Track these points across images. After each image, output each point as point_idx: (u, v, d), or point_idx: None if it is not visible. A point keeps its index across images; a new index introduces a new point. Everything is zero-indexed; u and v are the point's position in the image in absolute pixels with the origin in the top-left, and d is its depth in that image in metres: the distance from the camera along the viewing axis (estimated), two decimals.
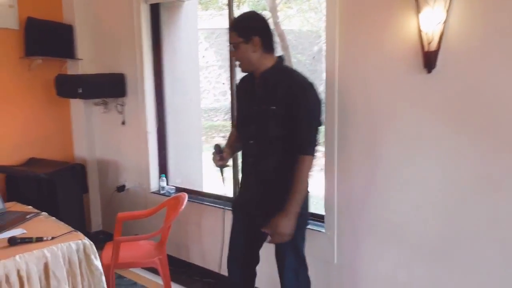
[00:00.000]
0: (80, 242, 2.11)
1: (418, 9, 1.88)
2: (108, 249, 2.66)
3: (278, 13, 9.79)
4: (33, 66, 3.44)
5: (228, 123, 11.21)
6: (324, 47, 11.10)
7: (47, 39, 3.42)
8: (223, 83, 12.06)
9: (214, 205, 3.01)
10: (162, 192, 3.37)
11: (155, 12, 3.28)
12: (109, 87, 3.39)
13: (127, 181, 3.59)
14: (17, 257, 1.89)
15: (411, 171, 2.09)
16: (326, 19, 2.28)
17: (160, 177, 3.43)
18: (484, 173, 1.89)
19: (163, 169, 3.47)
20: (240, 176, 2.20)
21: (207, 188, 3.43)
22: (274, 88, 1.89)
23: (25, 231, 2.18)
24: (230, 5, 2.83)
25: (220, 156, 2.05)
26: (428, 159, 2.03)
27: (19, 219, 2.35)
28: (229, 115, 12.02)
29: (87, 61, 3.63)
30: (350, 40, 2.20)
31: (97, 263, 2.16)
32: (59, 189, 3.18)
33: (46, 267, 1.97)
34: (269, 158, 1.94)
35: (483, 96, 1.84)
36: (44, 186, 3.18)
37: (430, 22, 1.85)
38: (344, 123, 2.28)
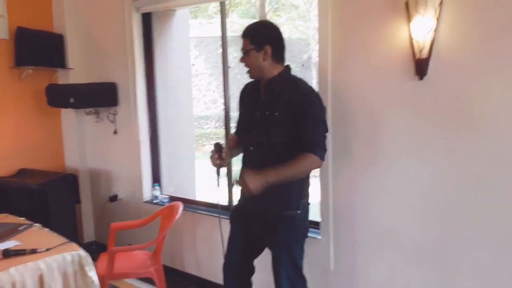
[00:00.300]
0: (75, 253, 2.08)
1: (409, 18, 1.93)
2: (103, 259, 2.63)
3: None
4: (24, 76, 3.42)
5: (219, 131, 11.23)
6: (313, 55, 11.22)
7: (37, 48, 3.40)
8: (213, 91, 12.07)
9: (208, 213, 3.00)
10: (155, 201, 3.35)
11: (147, 21, 3.28)
12: (101, 96, 3.37)
13: (120, 191, 3.56)
14: (11, 269, 1.86)
15: (405, 176, 2.12)
16: (319, 27, 2.31)
17: (153, 186, 3.41)
18: (477, 177, 1.92)
19: (156, 178, 3.45)
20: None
21: (200, 197, 3.42)
22: (278, 95, 1.92)
23: (18, 243, 2.15)
24: (222, 13, 2.85)
25: (219, 155, 2.01)
26: (421, 164, 2.06)
27: (11, 231, 2.31)
28: (220, 123, 12.02)
29: (78, 70, 3.61)
30: (342, 47, 2.24)
31: (93, 274, 2.13)
32: (51, 200, 3.13)
33: (41, 279, 1.95)
34: (269, 164, 1.91)
35: (472, 101, 1.89)
36: (36, 197, 3.13)
37: (421, 30, 1.89)
38: (337, 130, 2.30)
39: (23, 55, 3.34)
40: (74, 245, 2.16)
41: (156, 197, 3.36)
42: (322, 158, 1.87)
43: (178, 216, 2.59)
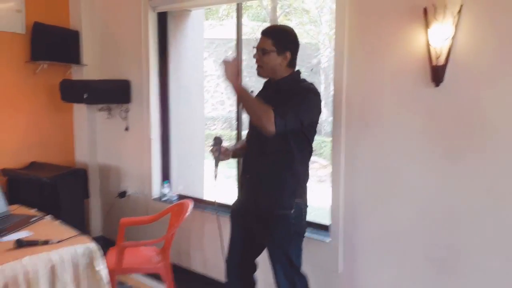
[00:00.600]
0: (86, 246, 2.10)
1: (427, 24, 1.94)
2: (111, 254, 2.65)
3: None
4: (39, 70, 3.46)
5: (226, 132, 11.26)
6: (322, 60, 11.22)
7: (53, 44, 3.44)
8: (222, 93, 12.11)
9: (216, 213, 3.01)
10: (164, 199, 3.37)
11: (162, 20, 3.32)
12: (114, 93, 3.41)
13: (129, 187, 3.59)
14: (24, 259, 1.88)
15: (416, 182, 2.13)
16: (335, 32, 2.33)
17: (162, 184, 3.43)
18: (489, 185, 1.93)
19: (165, 176, 3.48)
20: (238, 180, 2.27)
21: (208, 196, 3.44)
22: (281, 93, 1.99)
23: (31, 234, 2.18)
24: (238, 15, 2.87)
25: (217, 148, 2.10)
26: (433, 170, 2.07)
27: (23, 222, 2.34)
28: (226, 124, 12.03)
29: (92, 66, 3.65)
30: (358, 53, 2.25)
31: (102, 268, 2.15)
32: (61, 194, 3.17)
33: (53, 270, 1.97)
34: (266, 158, 2.02)
35: (488, 110, 1.90)
36: (46, 190, 3.17)
37: (439, 37, 1.90)
38: (351, 134, 2.31)
39: (38, 50, 3.38)
40: (85, 237, 2.18)
41: (164, 194, 3.38)
42: (275, 124, 1.83)
43: (187, 214, 2.61)
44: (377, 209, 2.27)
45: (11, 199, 2.62)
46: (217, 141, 2.12)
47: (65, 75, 3.63)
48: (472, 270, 2.00)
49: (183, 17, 3.42)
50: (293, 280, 2.07)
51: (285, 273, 2.06)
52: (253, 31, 10.07)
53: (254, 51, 2.02)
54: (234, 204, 2.26)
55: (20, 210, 2.61)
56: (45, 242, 2.03)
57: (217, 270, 3.00)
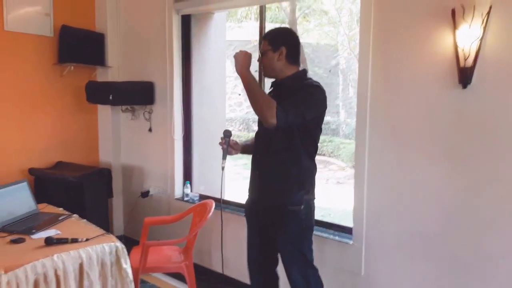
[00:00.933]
0: (113, 244, 2.15)
1: (455, 26, 1.92)
2: (135, 253, 2.70)
3: (298, 27, 9.90)
4: (65, 72, 3.54)
5: (243, 134, 11.30)
6: (341, 61, 11.15)
7: (79, 46, 3.53)
8: (239, 94, 12.16)
9: (237, 213, 3.04)
10: (186, 199, 3.41)
11: (186, 23, 3.36)
12: (139, 95, 3.47)
13: (152, 187, 3.64)
14: (54, 256, 1.94)
15: (443, 185, 2.10)
16: (360, 33, 2.32)
17: (184, 184, 3.47)
18: None
19: (187, 176, 3.52)
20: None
21: (229, 197, 3.46)
22: (287, 91, 2.03)
23: (59, 232, 2.24)
24: (261, 16, 2.89)
25: (226, 140, 2.15)
26: (459, 173, 2.04)
27: (52, 220, 2.41)
28: (243, 126, 12.05)
29: (116, 68, 3.73)
30: (383, 53, 2.24)
31: (127, 266, 2.20)
32: (87, 193, 3.24)
33: (81, 267, 2.02)
34: (273, 155, 2.07)
35: None
36: (72, 189, 3.24)
37: (467, 39, 1.88)
38: (375, 136, 2.30)
39: (66, 53, 3.46)
40: (112, 236, 2.23)
41: (187, 194, 3.42)
42: (277, 116, 1.85)
43: (210, 214, 2.64)
44: (401, 212, 2.25)
45: (37, 198, 2.69)
46: (227, 134, 2.16)
47: (91, 77, 3.71)
48: (499, 275, 1.97)
49: (206, 20, 3.46)
50: (306, 273, 2.11)
51: (299, 267, 2.10)
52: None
53: (258, 56, 2.12)
54: (246, 202, 2.30)
55: (47, 208, 2.68)
56: (74, 240, 2.09)
57: (238, 270, 3.02)
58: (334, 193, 7.38)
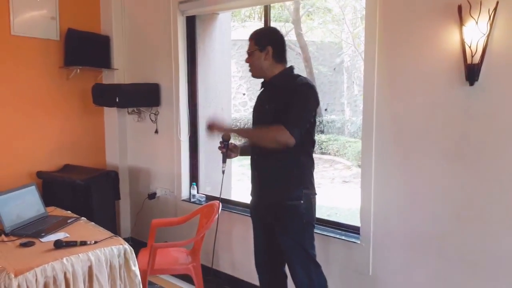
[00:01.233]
0: (121, 247, 2.16)
1: (461, 22, 1.90)
2: (143, 255, 2.71)
3: (302, 25, 9.88)
4: (72, 75, 3.56)
5: None
6: (345, 59, 11.09)
7: (85, 49, 3.54)
8: (244, 94, 12.16)
9: (244, 213, 3.04)
10: (192, 200, 3.42)
11: (191, 24, 3.37)
12: (144, 97, 3.48)
13: (158, 189, 3.65)
14: (64, 259, 1.95)
15: (451, 183, 2.08)
16: (365, 31, 2.31)
17: (191, 185, 3.48)
18: None
19: (194, 178, 3.52)
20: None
21: (235, 197, 3.46)
22: (276, 90, 2.07)
23: (68, 235, 2.25)
24: (266, 16, 2.88)
25: (225, 144, 2.19)
26: (469, 172, 2.02)
27: (61, 223, 2.43)
28: (248, 126, 12.08)
29: (122, 71, 3.74)
30: (389, 50, 2.23)
31: (135, 268, 2.21)
32: (94, 195, 3.25)
33: (90, 270, 2.03)
34: (268, 155, 2.08)
35: None
36: (80, 192, 3.26)
37: (474, 35, 1.86)
38: (382, 134, 2.29)
39: (72, 56, 3.48)
40: (120, 239, 2.24)
41: (193, 196, 3.42)
42: (293, 135, 1.91)
43: (217, 215, 2.64)
44: (408, 211, 2.24)
45: (45, 201, 2.71)
46: (225, 138, 2.19)
47: (97, 79, 3.73)
48: (507, 274, 1.95)
49: (211, 20, 3.46)
50: (309, 268, 2.12)
51: (301, 263, 2.11)
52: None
53: (246, 56, 2.15)
54: (250, 203, 2.33)
55: (56, 211, 2.70)
56: (83, 243, 2.10)
57: (246, 271, 3.02)
58: (340, 192, 7.35)
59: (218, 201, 2.82)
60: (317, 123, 11.08)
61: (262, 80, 2.19)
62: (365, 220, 2.40)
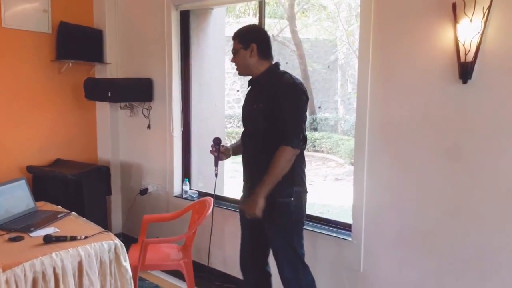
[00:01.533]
0: (111, 242, 2.15)
1: (455, 20, 1.90)
2: (133, 251, 2.69)
3: (296, 22, 9.86)
4: (64, 69, 3.52)
5: (241, 130, 11.29)
6: (340, 56, 11.11)
7: (77, 43, 3.49)
8: (238, 90, 12.14)
9: (236, 210, 3.02)
10: (184, 196, 3.40)
11: (184, 19, 3.34)
12: (137, 91, 3.45)
13: (150, 185, 3.63)
14: (53, 254, 1.93)
15: (443, 180, 2.09)
16: (360, 28, 2.31)
17: (183, 181, 3.46)
18: None
19: (186, 174, 3.51)
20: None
21: (228, 193, 3.45)
22: (264, 88, 2.06)
23: (57, 230, 2.23)
24: (260, 12, 2.87)
25: (216, 148, 2.23)
26: (460, 169, 2.03)
27: (51, 218, 2.40)
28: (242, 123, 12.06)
29: (115, 65, 3.70)
30: (384, 48, 2.23)
31: (126, 264, 2.20)
32: (85, 190, 3.22)
33: (80, 265, 2.02)
34: (259, 154, 2.09)
35: None
36: (71, 187, 3.23)
37: (468, 33, 1.86)
38: (375, 131, 2.29)
39: (64, 49, 3.43)
40: (110, 234, 2.23)
41: (185, 192, 3.41)
42: (296, 147, 1.98)
43: (209, 211, 2.63)
44: (400, 208, 2.24)
45: (36, 196, 2.68)
46: (216, 141, 2.22)
47: (89, 73, 3.69)
48: (499, 270, 1.96)
49: (205, 15, 3.43)
50: (296, 267, 2.11)
51: (289, 261, 2.11)
52: (270, 28, 10.04)
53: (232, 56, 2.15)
54: (240, 199, 2.32)
55: (46, 206, 2.67)
56: (73, 238, 2.08)
57: (237, 267, 3.00)
58: (332, 189, 7.38)
59: (210, 197, 2.81)
60: (311, 121, 11.19)
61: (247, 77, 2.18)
62: (357, 217, 2.40)
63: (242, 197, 2.29)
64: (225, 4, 3.25)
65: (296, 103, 2.01)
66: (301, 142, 2.09)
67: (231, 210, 3.05)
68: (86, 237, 2.11)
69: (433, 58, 2.05)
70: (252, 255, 2.30)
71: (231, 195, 3.28)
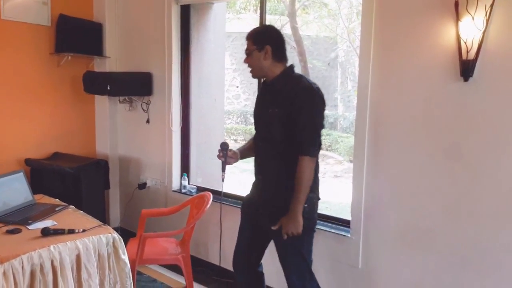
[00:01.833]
0: (110, 235, 2.14)
1: (458, 18, 1.89)
2: (132, 244, 2.69)
3: (297, 18, 9.83)
4: (63, 62, 3.50)
5: (240, 126, 11.26)
6: (340, 54, 11.07)
7: (77, 36, 3.48)
8: (237, 87, 12.11)
9: (234, 205, 3.03)
10: (183, 191, 3.40)
11: (185, 13, 3.32)
12: (136, 85, 3.44)
13: (149, 179, 3.63)
14: (51, 247, 1.92)
15: (443, 178, 2.09)
16: (361, 25, 2.30)
17: (182, 176, 3.46)
18: None
19: (185, 168, 3.50)
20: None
21: (227, 189, 3.44)
22: (279, 92, 2.01)
23: (55, 223, 2.22)
24: (262, 8, 2.85)
25: (223, 153, 2.18)
26: (460, 167, 2.03)
27: (49, 211, 2.40)
28: (241, 119, 12.00)
29: (114, 59, 3.69)
30: (385, 45, 2.22)
31: (125, 257, 2.19)
32: (83, 184, 3.22)
33: (78, 258, 2.01)
34: (274, 159, 2.06)
35: None
36: (69, 180, 3.22)
37: (470, 31, 1.86)
38: (375, 128, 2.29)
39: (63, 42, 3.42)
40: (108, 228, 2.22)
41: (184, 186, 3.40)
42: (314, 155, 1.97)
43: (208, 206, 2.63)
44: (399, 206, 2.25)
45: (34, 189, 2.67)
46: (224, 146, 2.19)
47: (88, 67, 3.68)
48: (497, 269, 1.97)
49: (205, 10, 3.42)
50: (304, 275, 2.07)
51: (297, 268, 2.06)
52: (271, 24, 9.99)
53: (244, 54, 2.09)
54: (246, 197, 2.29)
55: (44, 199, 2.67)
56: (71, 231, 2.07)
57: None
58: (331, 186, 7.38)
59: (209, 192, 2.81)
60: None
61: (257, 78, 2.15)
62: (355, 214, 2.41)
63: (248, 197, 2.26)
64: None
65: (315, 110, 1.96)
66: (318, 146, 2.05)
67: (231, 205, 3.05)
68: (84, 230, 2.10)
69: (434, 56, 2.04)
70: (247, 256, 2.27)
71: (230, 190, 3.27)
